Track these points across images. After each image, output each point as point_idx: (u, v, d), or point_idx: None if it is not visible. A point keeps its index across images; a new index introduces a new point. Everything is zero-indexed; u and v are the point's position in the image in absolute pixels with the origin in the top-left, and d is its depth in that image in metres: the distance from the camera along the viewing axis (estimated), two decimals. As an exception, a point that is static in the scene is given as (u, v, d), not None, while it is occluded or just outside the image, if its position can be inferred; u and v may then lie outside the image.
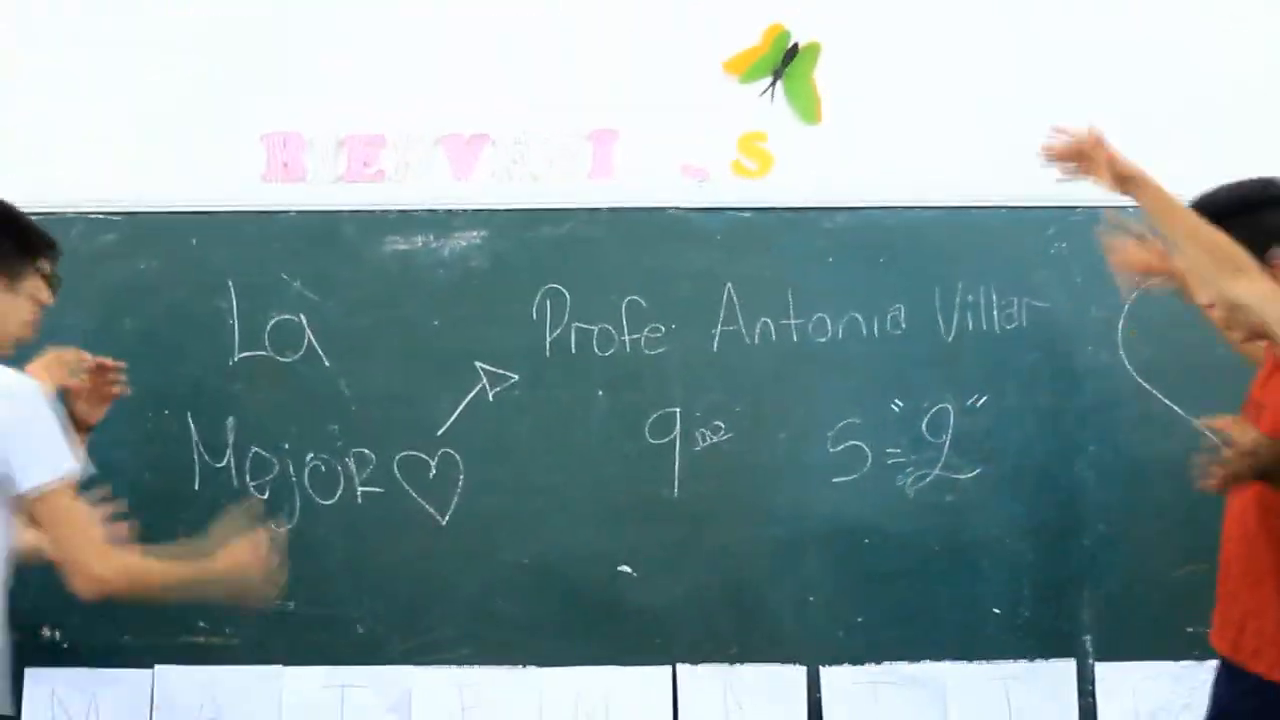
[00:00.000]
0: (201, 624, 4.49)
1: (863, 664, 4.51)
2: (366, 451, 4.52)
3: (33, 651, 4.41)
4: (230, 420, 4.50)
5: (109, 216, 4.56)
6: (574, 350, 4.55)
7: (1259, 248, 3.51)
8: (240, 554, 3.61)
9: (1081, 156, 3.65)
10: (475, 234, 4.57)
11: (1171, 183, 3.63)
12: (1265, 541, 3.58)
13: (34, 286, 3.61)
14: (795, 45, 4.62)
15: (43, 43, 4.69)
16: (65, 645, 4.47)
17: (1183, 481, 4.23)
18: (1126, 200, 4.40)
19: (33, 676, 4.46)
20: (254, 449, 4.51)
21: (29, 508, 3.37)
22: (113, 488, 3.54)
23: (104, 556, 3.37)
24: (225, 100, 4.64)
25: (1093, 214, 4.51)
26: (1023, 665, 4.52)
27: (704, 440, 4.54)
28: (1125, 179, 3.59)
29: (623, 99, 4.62)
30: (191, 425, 4.51)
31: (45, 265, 3.64)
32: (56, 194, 4.54)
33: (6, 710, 3.56)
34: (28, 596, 3.63)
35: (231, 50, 4.65)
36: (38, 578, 3.57)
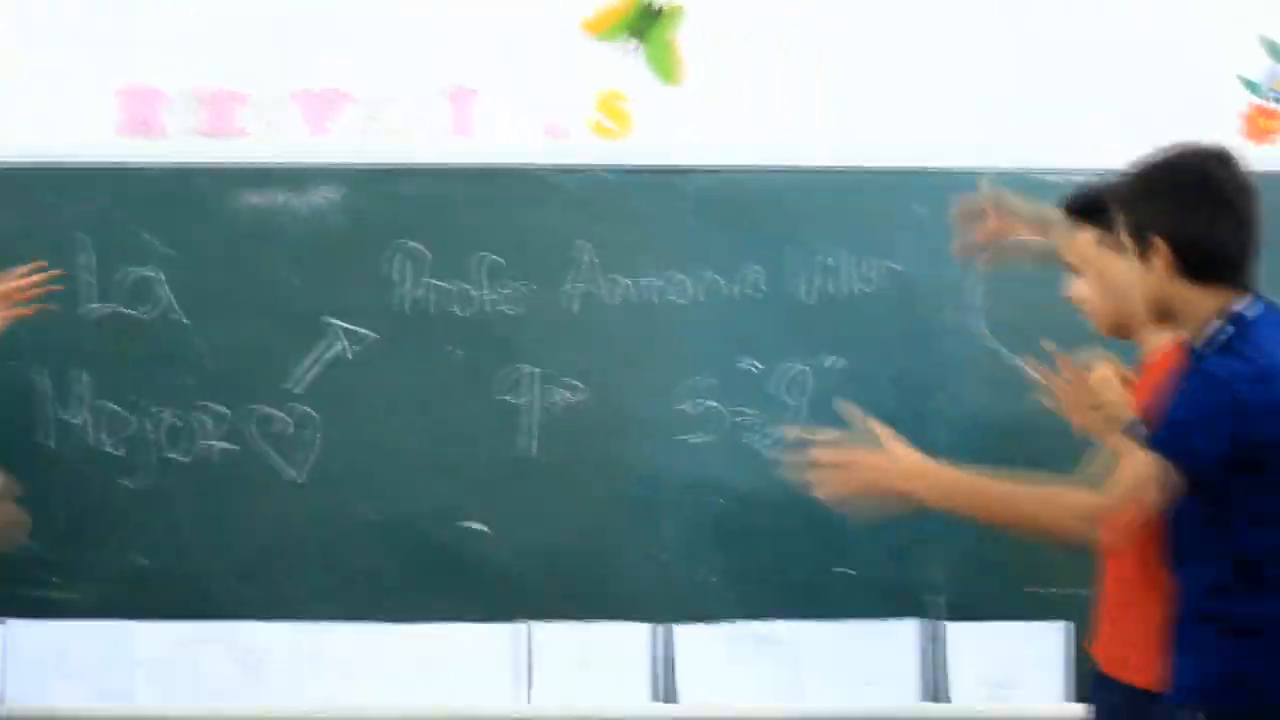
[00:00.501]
0: (53, 579, 4.49)
1: (715, 622, 4.55)
2: (221, 408, 4.53)
3: (-124, 603, 4.42)
4: (85, 376, 4.49)
5: (-41, 169, 4.54)
6: (431, 309, 4.56)
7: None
8: None
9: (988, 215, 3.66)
10: (333, 191, 4.57)
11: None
12: (1134, 546, 3.57)
13: None
14: (657, 6, 4.63)
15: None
16: (-89, 597, 4.47)
17: (1035, 443, 4.30)
18: (988, 165, 4.52)
19: (-122, 630, 4.46)
20: (109, 405, 4.50)
21: None
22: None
23: None
24: (80, 53, 4.61)
25: (949, 177, 4.56)
26: (874, 624, 4.58)
27: (561, 399, 4.56)
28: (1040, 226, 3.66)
29: (483, 57, 4.63)
30: (47, 381, 4.50)
31: None
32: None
33: None
34: None
35: (87, 3, 4.61)
36: None
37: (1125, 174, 3.07)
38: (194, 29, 4.62)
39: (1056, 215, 3.62)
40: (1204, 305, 2.95)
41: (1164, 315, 3.01)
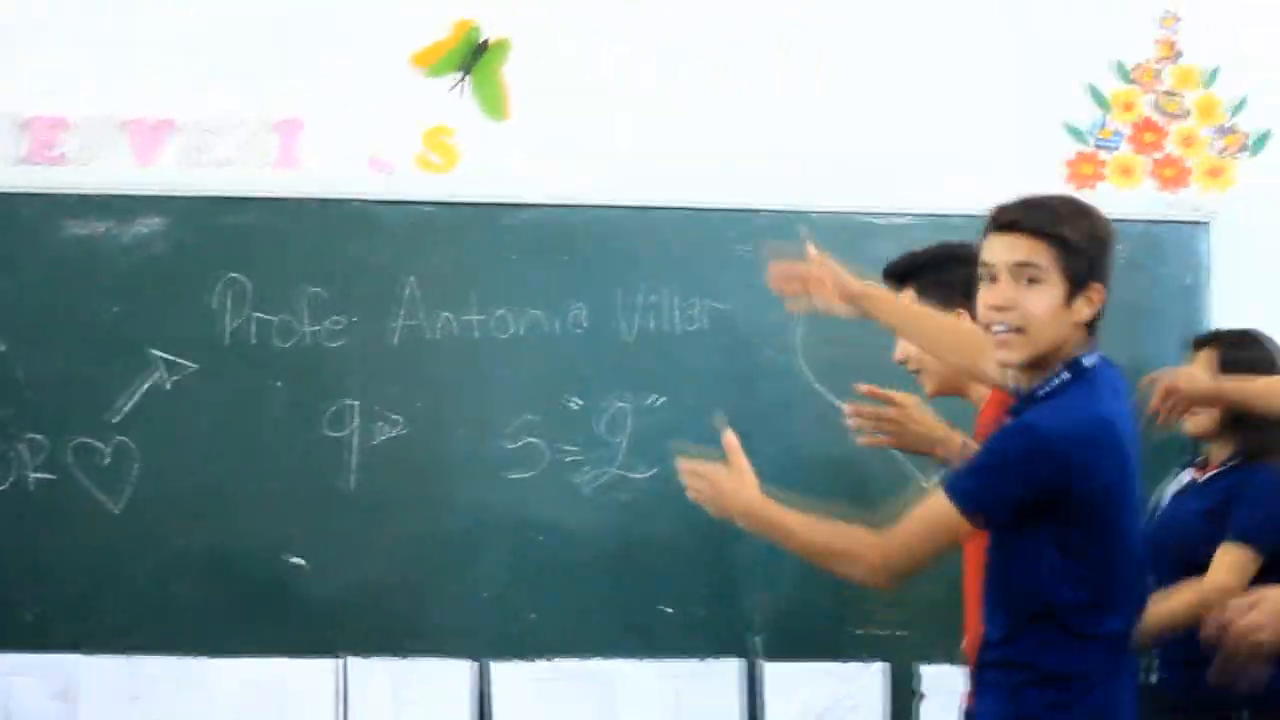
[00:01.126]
0: None
1: (533, 660, 4.57)
2: (39, 437, 4.52)
3: None
4: (-102, 403, 4.48)
5: None
6: (254, 340, 4.58)
7: (947, 302, 3.57)
8: None
9: (806, 280, 3.46)
10: (157, 220, 4.58)
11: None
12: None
13: None
14: (485, 41, 4.67)
15: None
16: None
17: (855, 483, 4.37)
18: (813, 206, 4.57)
19: None
20: (-77, 433, 4.51)
21: None
22: None
23: None
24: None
25: (776, 217, 4.63)
26: (693, 664, 4.61)
27: (381, 434, 4.58)
28: (855, 297, 3.42)
29: (309, 89, 4.66)
30: None
31: None
32: None
33: None
34: None
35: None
36: None
37: (1057, 214, 2.99)
38: (18, 54, 4.61)
39: (870, 290, 3.61)
40: (1082, 354, 2.97)
41: (1046, 360, 3.01)
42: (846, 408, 3.65)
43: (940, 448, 3.60)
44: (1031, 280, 2.94)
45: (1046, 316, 2.95)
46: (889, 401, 3.63)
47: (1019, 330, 2.95)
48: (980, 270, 3.02)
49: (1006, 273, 2.96)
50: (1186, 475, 4.07)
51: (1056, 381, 2.95)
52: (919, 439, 3.64)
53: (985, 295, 3.02)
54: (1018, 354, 2.96)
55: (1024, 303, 2.95)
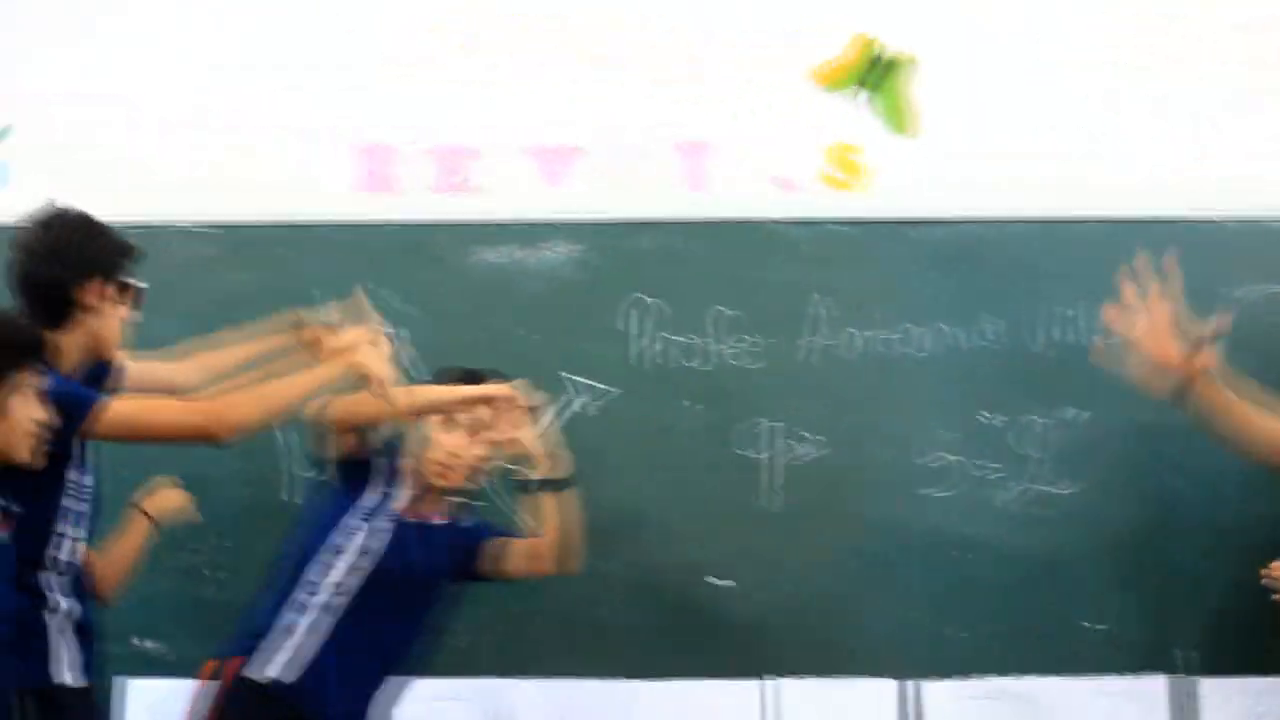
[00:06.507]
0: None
1: (963, 678, 4.77)
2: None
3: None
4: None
5: (207, 230, 4.92)
6: (669, 363, 4.87)
7: None
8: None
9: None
10: (566, 246, 4.91)
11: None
12: None
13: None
14: (884, 57, 4.92)
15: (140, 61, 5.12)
16: None
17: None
18: (1222, 212, 4.71)
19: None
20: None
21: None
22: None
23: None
24: (321, 115, 5.05)
25: (1188, 227, 4.80)
26: (1120, 680, 4.76)
27: (798, 453, 4.85)
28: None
29: (713, 110, 4.97)
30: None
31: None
32: (148, 206, 4.88)
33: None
34: None
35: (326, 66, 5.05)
36: None
37: None
38: (429, 89, 5.00)
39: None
40: None
41: None
42: None
43: None
44: None
45: None
46: None
47: None
48: None
49: None
50: None
51: None
52: None
53: None
54: None
55: None
